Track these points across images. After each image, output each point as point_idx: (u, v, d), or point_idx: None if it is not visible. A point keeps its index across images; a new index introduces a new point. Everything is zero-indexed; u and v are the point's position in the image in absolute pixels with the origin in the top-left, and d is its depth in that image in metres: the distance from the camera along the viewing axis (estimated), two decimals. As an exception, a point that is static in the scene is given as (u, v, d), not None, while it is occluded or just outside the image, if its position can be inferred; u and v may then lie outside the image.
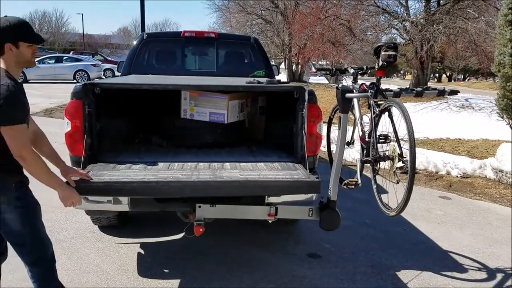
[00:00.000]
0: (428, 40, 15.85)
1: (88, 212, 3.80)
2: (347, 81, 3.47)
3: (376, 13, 18.26)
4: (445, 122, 11.68)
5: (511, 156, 6.15)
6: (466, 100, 14.17)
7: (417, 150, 7.60)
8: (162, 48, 5.42)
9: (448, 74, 56.11)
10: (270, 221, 3.17)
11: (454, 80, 54.00)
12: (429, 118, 12.32)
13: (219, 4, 29.65)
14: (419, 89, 3.17)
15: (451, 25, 15.47)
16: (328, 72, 3.74)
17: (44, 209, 4.57)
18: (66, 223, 4.32)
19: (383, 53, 2.90)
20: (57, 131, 8.96)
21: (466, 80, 54.81)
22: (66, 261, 3.56)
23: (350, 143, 3.65)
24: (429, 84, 20.48)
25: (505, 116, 7.83)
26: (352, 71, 3.39)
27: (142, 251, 3.81)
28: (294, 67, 23.24)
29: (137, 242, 3.95)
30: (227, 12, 28.00)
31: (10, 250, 2.47)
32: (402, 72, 60.39)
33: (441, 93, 3.14)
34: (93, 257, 3.65)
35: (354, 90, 3.10)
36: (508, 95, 7.54)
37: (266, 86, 3.55)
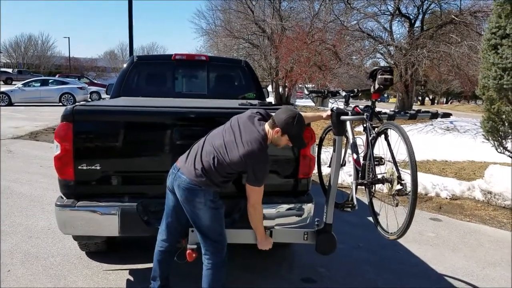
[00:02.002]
0: (413, 64, 16.19)
1: (76, 237, 3.71)
2: (338, 104, 3.47)
3: (361, 38, 18.65)
4: (431, 144, 11.80)
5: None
6: (451, 122, 14.40)
7: (406, 171, 7.55)
8: (153, 70, 5.40)
9: (431, 97, 57.19)
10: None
11: (437, 103, 55.01)
12: (415, 140, 12.32)
13: (206, 29, 29.96)
14: (412, 111, 3.15)
15: (434, 49, 15.84)
16: (320, 95, 3.75)
17: (30, 234, 4.50)
18: (52, 249, 4.19)
19: (379, 76, 2.90)
20: (42, 154, 8.90)
21: (449, 103, 55.90)
22: (52, 289, 3.43)
23: (342, 165, 3.63)
24: (414, 107, 20.81)
25: (490, 138, 7.93)
26: (343, 93, 3.39)
27: (132, 278, 3.69)
28: (281, 89, 23.44)
29: (126, 269, 3.84)
30: (214, 36, 28.27)
31: None
32: (385, 95, 61.32)
33: (434, 116, 3.10)
34: (80, 285, 3.53)
35: (349, 113, 3.10)
36: (493, 118, 7.66)
37: (260, 108, 3.52)
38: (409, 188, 2.62)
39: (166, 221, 3.01)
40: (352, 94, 3.36)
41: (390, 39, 18.27)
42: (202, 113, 3.36)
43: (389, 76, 2.92)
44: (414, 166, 2.53)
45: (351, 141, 3.10)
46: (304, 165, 3.38)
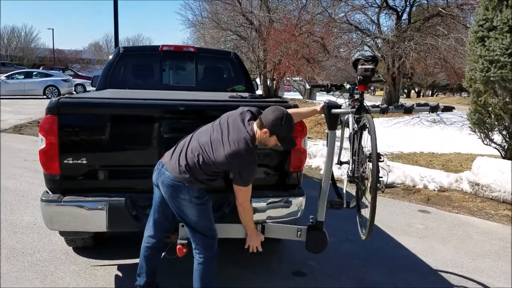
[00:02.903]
0: (400, 57, 16.23)
1: (62, 233, 3.63)
2: (344, 97, 3.29)
3: (349, 30, 18.60)
4: (418, 137, 11.90)
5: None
6: (437, 114, 14.49)
7: (394, 164, 7.51)
8: (139, 62, 5.30)
9: (416, 90, 57.59)
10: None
11: (423, 96, 55.42)
12: (402, 133, 12.53)
13: (192, 20, 29.69)
14: (408, 104, 3.01)
15: (421, 41, 15.89)
16: (323, 89, 3.54)
17: (15, 230, 4.40)
18: (38, 245, 4.10)
19: (359, 67, 2.75)
20: (27, 148, 8.74)
21: (434, 95, 56.33)
22: (39, 286, 3.35)
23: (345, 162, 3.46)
24: (400, 100, 20.92)
25: (477, 130, 7.99)
26: (348, 86, 3.17)
27: (120, 273, 3.63)
28: (269, 82, 23.36)
29: (114, 264, 3.77)
30: (201, 28, 28.01)
31: None
32: (372, 88, 61.57)
33: (433, 109, 2.92)
34: (68, 281, 3.46)
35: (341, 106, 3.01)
36: (480, 110, 7.73)
37: (250, 101, 3.47)
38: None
39: (153, 217, 2.96)
40: (357, 87, 3.08)
41: (377, 31, 18.29)
42: (192, 106, 3.30)
43: (370, 66, 2.75)
44: (375, 161, 2.46)
45: (351, 133, 3.00)
46: (295, 159, 3.34)
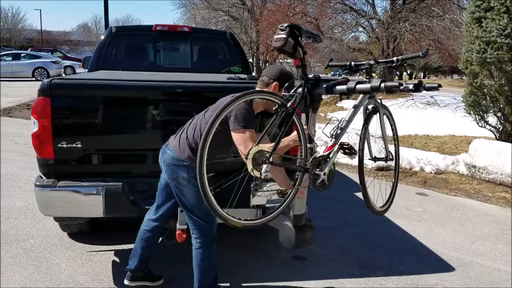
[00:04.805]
0: (395, 38, 16.09)
1: (57, 218, 3.54)
2: (363, 76, 2.99)
3: (343, 11, 18.37)
4: (412, 119, 11.86)
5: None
6: (431, 97, 14.49)
7: (390, 146, 7.45)
8: (133, 42, 5.15)
9: (409, 72, 57.58)
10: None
11: (415, 78, 55.42)
12: (396, 115, 12.37)
13: (183, 0, 29.19)
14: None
15: (416, 22, 15.75)
16: (346, 68, 3.25)
17: (7, 215, 4.30)
18: (32, 230, 4.01)
19: (274, 36, 2.38)
20: (17, 131, 8.58)
21: (426, 77, 56.38)
22: (34, 272, 3.27)
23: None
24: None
25: (472, 112, 7.98)
26: (372, 63, 2.64)
27: (117, 259, 3.56)
28: (261, 64, 23.15)
29: (111, 250, 3.70)
30: (192, 9, 27.56)
31: None
32: (364, 70, 61.16)
33: (380, 90, 2.39)
34: (64, 267, 3.38)
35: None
36: (475, 92, 7.70)
37: (249, 82, 3.37)
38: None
39: (157, 201, 2.90)
40: (390, 65, 2.58)
41: (372, 12, 18.08)
42: (190, 88, 3.19)
43: (281, 36, 2.29)
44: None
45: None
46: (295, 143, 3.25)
